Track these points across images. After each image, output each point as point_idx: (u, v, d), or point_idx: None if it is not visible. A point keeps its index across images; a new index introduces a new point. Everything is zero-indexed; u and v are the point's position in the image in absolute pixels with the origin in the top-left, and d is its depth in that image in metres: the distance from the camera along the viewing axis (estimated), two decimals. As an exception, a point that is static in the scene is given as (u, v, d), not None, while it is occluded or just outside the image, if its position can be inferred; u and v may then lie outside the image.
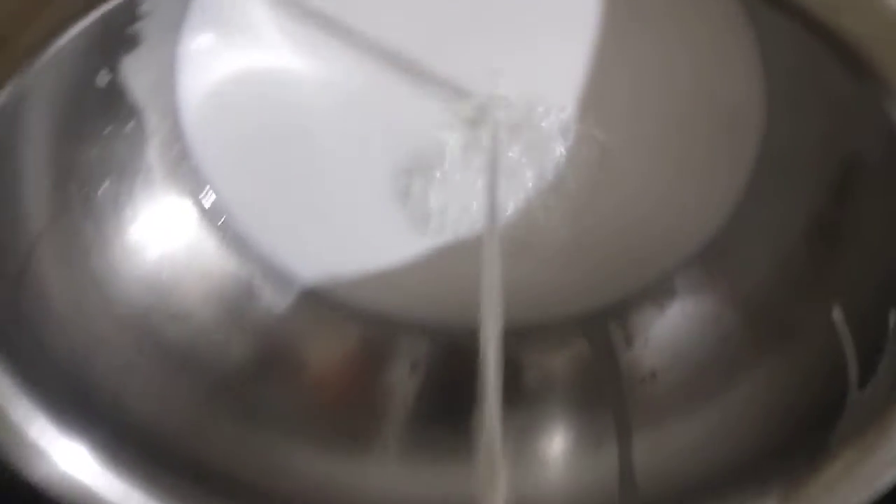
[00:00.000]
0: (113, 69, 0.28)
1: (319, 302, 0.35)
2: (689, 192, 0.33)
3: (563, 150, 0.32)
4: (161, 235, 0.32)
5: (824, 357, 0.30)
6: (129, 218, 0.31)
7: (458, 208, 0.33)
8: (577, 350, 0.35)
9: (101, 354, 0.29)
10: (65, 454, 0.27)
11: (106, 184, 0.30)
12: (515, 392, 0.34)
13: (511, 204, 0.33)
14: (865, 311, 0.28)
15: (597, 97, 0.31)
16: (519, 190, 0.33)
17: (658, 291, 0.34)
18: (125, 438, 0.28)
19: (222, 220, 0.33)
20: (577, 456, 0.34)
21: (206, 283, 0.33)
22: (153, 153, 0.31)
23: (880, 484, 0.27)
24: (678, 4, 0.30)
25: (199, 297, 0.33)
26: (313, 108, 0.31)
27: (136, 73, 0.29)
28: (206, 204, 0.33)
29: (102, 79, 0.27)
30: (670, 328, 0.34)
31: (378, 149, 0.33)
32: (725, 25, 0.30)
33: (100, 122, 0.29)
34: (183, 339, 0.32)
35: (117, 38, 0.27)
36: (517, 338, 0.34)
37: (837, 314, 0.29)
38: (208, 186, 0.33)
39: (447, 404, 0.33)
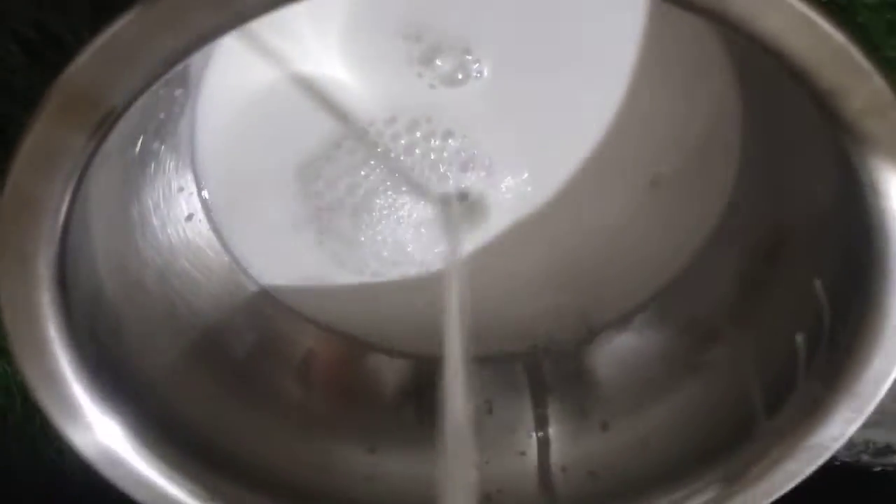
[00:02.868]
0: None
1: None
2: (654, 240, 0.36)
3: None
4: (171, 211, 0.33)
5: (734, 389, 0.34)
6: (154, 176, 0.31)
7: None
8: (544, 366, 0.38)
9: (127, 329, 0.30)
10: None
11: (142, 138, 0.29)
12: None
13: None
14: (775, 355, 0.33)
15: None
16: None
17: (615, 326, 0.38)
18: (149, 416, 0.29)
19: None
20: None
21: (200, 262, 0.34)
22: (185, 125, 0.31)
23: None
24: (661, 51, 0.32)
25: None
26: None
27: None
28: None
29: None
30: (620, 349, 0.37)
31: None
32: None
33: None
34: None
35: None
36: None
37: (748, 355, 0.34)
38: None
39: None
